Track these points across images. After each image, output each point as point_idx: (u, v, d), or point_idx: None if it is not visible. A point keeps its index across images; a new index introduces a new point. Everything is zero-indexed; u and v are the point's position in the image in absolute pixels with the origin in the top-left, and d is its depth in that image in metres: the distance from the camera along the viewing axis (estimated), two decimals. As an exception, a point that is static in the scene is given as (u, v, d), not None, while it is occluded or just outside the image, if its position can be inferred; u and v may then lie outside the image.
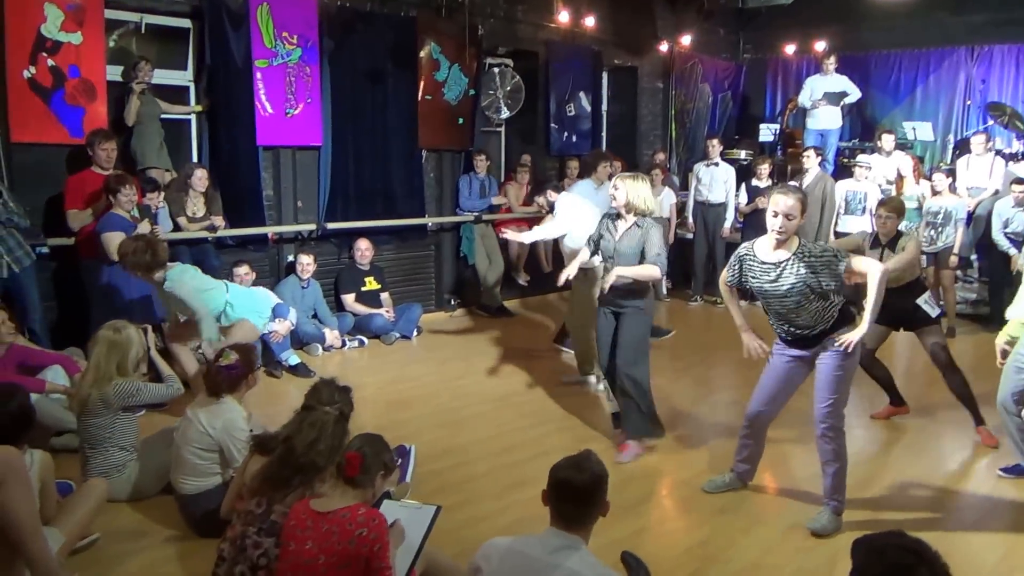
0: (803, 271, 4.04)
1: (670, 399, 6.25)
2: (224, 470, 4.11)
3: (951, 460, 5.38)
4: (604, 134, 11.68)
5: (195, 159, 7.53)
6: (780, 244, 4.11)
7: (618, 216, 5.18)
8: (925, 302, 5.54)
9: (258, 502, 3.29)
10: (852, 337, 4.08)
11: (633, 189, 5.09)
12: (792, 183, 7.88)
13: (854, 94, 10.87)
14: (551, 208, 6.79)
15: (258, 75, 7.46)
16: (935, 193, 8.86)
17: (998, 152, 9.89)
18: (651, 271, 4.99)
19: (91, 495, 3.90)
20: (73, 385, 5.19)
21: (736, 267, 4.32)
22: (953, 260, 8.80)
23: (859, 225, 9.08)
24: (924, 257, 8.65)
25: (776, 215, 4.05)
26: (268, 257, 7.98)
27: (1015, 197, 8.53)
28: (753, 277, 4.21)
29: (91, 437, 4.34)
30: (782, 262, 4.09)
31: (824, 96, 10.78)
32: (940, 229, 8.75)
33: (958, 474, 5.16)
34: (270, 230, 7.87)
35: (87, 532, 3.91)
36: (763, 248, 4.19)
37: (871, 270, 4.06)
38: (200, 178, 7.01)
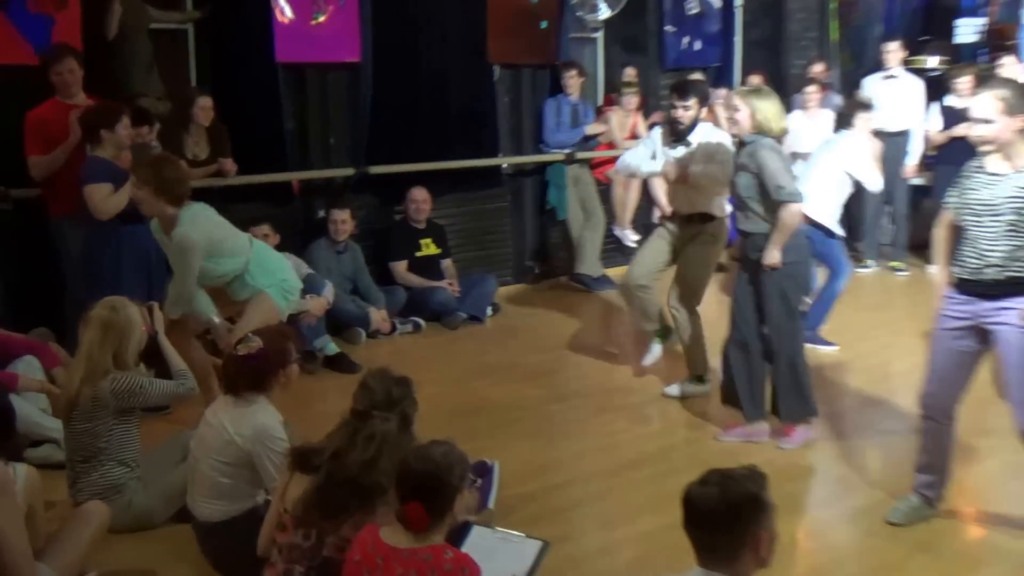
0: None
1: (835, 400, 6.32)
2: (256, 491, 4.20)
3: None
4: (738, 38, 11.60)
5: (195, 83, 7.73)
6: (1004, 156, 4.27)
7: (741, 144, 5.56)
8: None
9: (305, 534, 3.40)
10: None
11: (765, 103, 5.41)
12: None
13: None
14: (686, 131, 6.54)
15: (275, -33, 7.64)
16: None
17: None
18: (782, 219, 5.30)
19: (87, 523, 4.05)
20: (52, 380, 5.42)
21: (959, 183, 4.48)
22: None
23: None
24: None
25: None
26: (292, 213, 8.16)
27: None
28: (971, 189, 4.38)
29: (82, 448, 4.49)
30: (1008, 173, 4.25)
31: None
32: None
33: None
34: (294, 176, 8.05)
35: (83, 568, 4.05)
36: (994, 160, 4.33)
37: None
38: (203, 108, 7.19)
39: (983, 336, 4.40)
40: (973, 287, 4.37)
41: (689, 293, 6.37)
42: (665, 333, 6.76)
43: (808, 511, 5.08)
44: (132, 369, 4.61)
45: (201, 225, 5.42)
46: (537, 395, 6.59)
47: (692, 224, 6.32)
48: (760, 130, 5.41)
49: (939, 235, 4.69)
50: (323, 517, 3.41)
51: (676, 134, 6.36)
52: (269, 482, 4.09)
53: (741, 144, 5.53)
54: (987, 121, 4.20)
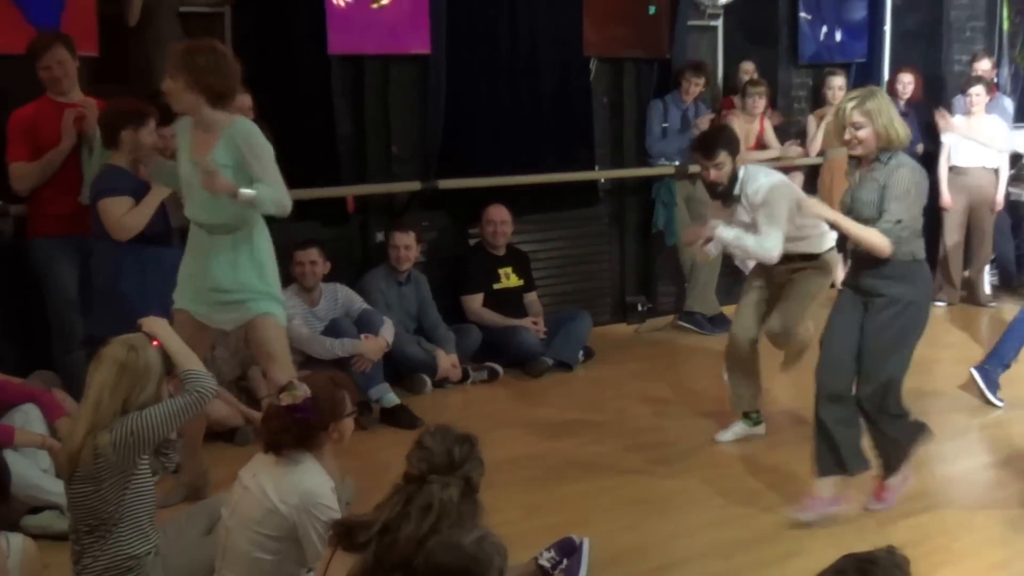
0: None
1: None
2: (300, 571, 4.19)
3: None
4: (887, 28, 11.53)
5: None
6: None
7: (859, 159, 5.58)
8: None
9: None
10: None
11: (885, 110, 5.38)
12: None
13: None
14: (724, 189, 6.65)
15: (329, -61, 7.74)
16: None
17: None
18: (872, 238, 5.24)
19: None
20: (55, 434, 5.38)
21: None
22: None
23: None
24: None
25: None
26: (346, 236, 8.19)
27: None
28: None
29: (88, 516, 4.40)
30: None
31: None
32: None
33: None
34: (349, 192, 8.07)
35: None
36: None
37: None
38: (242, 107, 7.14)
39: None
40: None
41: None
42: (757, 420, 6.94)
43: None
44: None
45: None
46: (636, 459, 6.53)
47: (793, 262, 6.45)
48: (889, 143, 5.39)
49: None
50: None
51: (718, 196, 6.58)
52: (313, 560, 4.07)
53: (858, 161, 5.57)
54: None
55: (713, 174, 6.41)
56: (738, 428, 6.85)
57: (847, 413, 5.53)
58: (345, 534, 3.61)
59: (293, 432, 4.13)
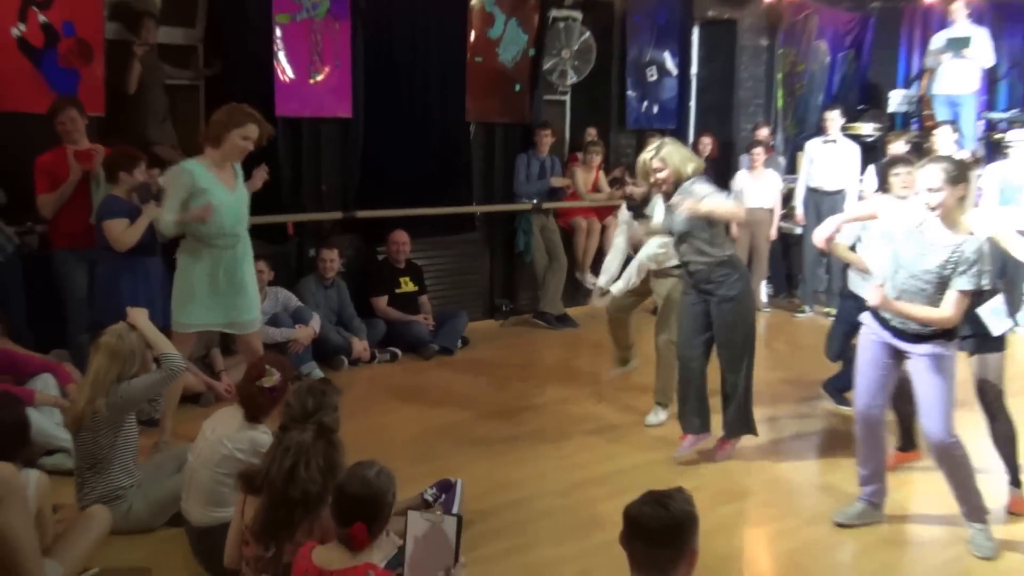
0: (947, 261, 4.44)
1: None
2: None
3: None
4: (693, 104, 11.76)
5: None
6: (947, 223, 4.49)
7: (665, 194, 5.72)
8: (992, 312, 5.02)
9: (265, 546, 3.52)
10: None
11: (675, 153, 5.61)
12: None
13: (980, 47, 10.75)
14: (639, 207, 6.68)
15: (278, 32, 7.78)
16: None
17: None
18: (721, 205, 5.48)
19: (92, 525, 4.22)
20: (65, 396, 5.56)
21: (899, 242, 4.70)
22: None
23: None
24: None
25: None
26: (286, 251, 8.29)
27: None
28: (909, 251, 4.60)
29: (88, 457, 4.62)
30: (936, 244, 4.49)
31: (947, 44, 10.80)
32: None
33: None
34: (289, 219, 8.17)
35: (87, 565, 4.21)
36: (935, 226, 4.55)
37: (946, 314, 4.49)
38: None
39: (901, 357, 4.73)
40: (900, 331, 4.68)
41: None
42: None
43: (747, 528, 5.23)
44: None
45: None
46: (500, 421, 6.68)
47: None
48: (686, 178, 5.58)
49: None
50: (273, 535, 3.50)
51: (633, 209, 6.65)
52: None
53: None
54: (935, 190, 4.42)
55: (630, 189, 6.46)
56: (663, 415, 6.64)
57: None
58: (247, 481, 3.70)
59: (269, 406, 4.25)
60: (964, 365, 4.93)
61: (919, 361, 4.65)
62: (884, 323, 4.74)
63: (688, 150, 5.81)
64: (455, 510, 4.76)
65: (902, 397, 5.41)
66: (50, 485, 4.09)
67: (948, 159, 4.66)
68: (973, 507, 4.76)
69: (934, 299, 4.50)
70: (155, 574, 4.41)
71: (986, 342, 5.04)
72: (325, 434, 3.61)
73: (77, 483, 4.69)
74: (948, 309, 4.45)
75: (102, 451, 4.62)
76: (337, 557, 3.13)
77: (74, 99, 6.51)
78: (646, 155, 5.68)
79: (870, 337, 4.86)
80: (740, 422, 5.90)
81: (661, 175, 5.60)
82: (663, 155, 5.59)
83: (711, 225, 5.54)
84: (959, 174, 4.46)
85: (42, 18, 6.66)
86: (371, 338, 8.15)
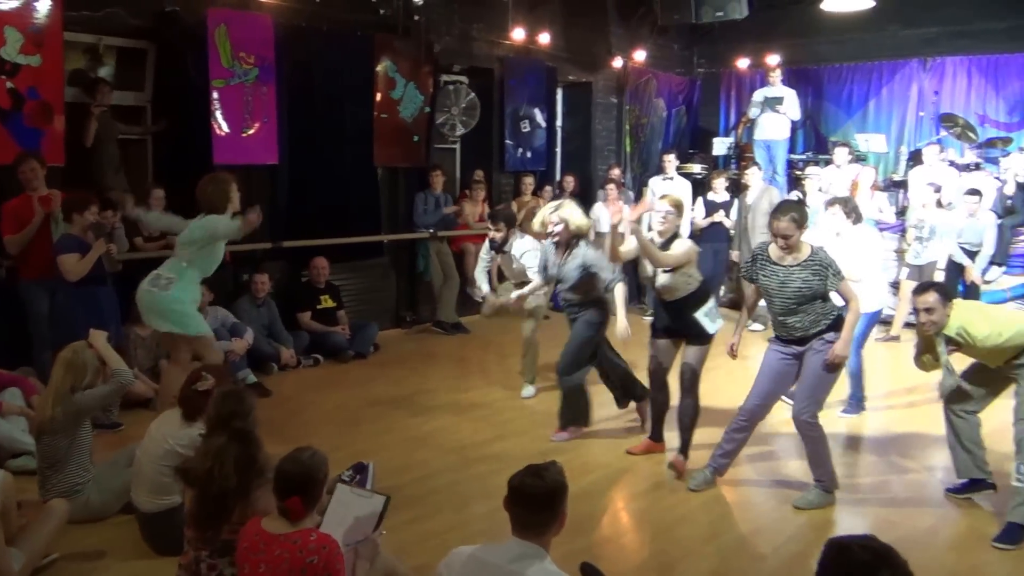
0: (810, 277, 4.63)
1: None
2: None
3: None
4: (558, 150, 11.92)
5: (151, 180, 7.63)
6: (785, 251, 4.71)
7: (557, 243, 5.76)
8: (705, 314, 5.22)
9: (203, 529, 3.38)
10: (837, 350, 4.68)
11: (573, 214, 5.70)
12: (790, 199, 8.50)
13: (790, 104, 11.13)
14: (500, 246, 6.87)
15: (215, 95, 7.60)
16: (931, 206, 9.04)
17: (951, 163, 10.26)
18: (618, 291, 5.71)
19: (52, 516, 4.04)
20: (30, 406, 5.30)
21: (750, 263, 4.91)
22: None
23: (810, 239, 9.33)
24: (907, 270, 9.03)
25: (777, 238, 4.69)
26: (223, 276, 7.95)
27: (968, 208, 8.89)
28: (764, 276, 4.78)
29: (50, 457, 4.42)
30: (791, 267, 4.68)
31: (764, 101, 11.15)
32: (924, 243, 8.94)
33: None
34: (226, 249, 7.87)
35: (48, 551, 4.02)
36: (775, 251, 4.74)
37: (852, 298, 4.77)
38: (157, 198, 7.12)
39: (802, 361, 4.83)
40: (791, 342, 4.83)
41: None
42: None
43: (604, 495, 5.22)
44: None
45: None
46: (407, 411, 6.62)
47: None
48: (577, 234, 5.67)
49: (745, 288, 5.27)
50: (206, 522, 3.38)
51: (496, 249, 6.84)
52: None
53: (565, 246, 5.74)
54: (788, 236, 4.63)
55: (494, 234, 6.71)
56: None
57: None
58: (183, 476, 3.56)
59: (203, 405, 4.02)
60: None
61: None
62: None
63: (582, 212, 5.83)
64: (368, 487, 4.51)
65: (661, 389, 5.58)
66: (14, 484, 3.94)
67: (792, 206, 4.84)
68: (826, 474, 4.89)
69: None
70: (109, 556, 4.23)
71: (699, 338, 5.25)
72: (239, 436, 3.47)
73: (39, 481, 4.50)
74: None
75: (60, 452, 4.43)
76: (280, 525, 3.05)
77: (35, 152, 6.26)
78: (546, 210, 5.77)
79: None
80: (571, 415, 5.95)
81: (557, 228, 5.66)
82: (562, 214, 5.66)
83: (592, 277, 5.65)
84: (802, 218, 4.68)
85: (9, 84, 6.38)
86: (297, 347, 7.99)
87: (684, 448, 5.40)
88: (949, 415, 4.93)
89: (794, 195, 10.01)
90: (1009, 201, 9.60)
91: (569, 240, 5.68)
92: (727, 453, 5.07)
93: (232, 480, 3.33)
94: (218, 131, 7.68)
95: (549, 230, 5.72)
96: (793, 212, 4.64)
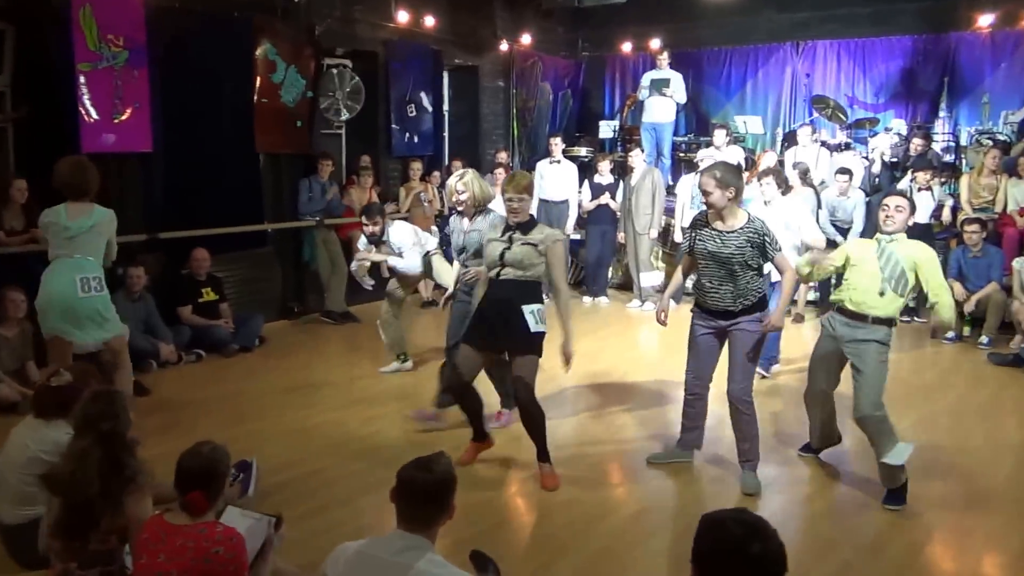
0: (743, 244, 4.66)
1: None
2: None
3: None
4: (446, 134, 11.88)
5: (13, 170, 7.25)
6: (719, 216, 4.73)
7: (462, 212, 5.69)
8: (532, 312, 4.84)
9: (70, 539, 3.24)
10: (773, 320, 4.83)
11: (475, 182, 5.65)
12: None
13: (676, 88, 11.37)
14: (377, 237, 6.94)
15: (81, 79, 7.25)
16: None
17: (823, 143, 10.65)
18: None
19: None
20: None
21: (689, 228, 4.95)
22: None
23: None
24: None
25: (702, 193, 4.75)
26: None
27: (839, 187, 9.24)
28: (699, 241, 4.81)
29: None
30: (728, 232, 4.71)
31: (651, 84, 11.35)
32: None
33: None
34: None
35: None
36: (713, 216, 4.79)
37: (787, 269, 4.89)
38: (19, 189, 6.78)
39: (725, 337, 4.91)
40: (716, 315, 4.85)
41: None
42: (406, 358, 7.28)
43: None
44: None
45: None
46: (292, 406, 6.46)
47: None
48: (483, 202, 5.64)
49: (676, 273, 5.29)
50: (74, 532, 3.23)
51: (375, 243, 6.91)
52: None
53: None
54: (708, 193, 4.64)
55: (370, 229, 6.79)
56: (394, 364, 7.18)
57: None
58: (46, 483, 3.37)
59: (56, 403, 3.88)
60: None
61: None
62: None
63: (484, 182, 5.75)
64: (251, 487, 4.57)
65: (502, 382, 5.66)
66: None
67: (722, 164, 4.94)
68: (750, 452, 4.98)
69: None
70: (-29, 572, 4.00)
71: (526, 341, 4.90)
72: (106, 439, 3.31)
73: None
74: None
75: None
76: (183, 519, 2.97)
77: None
78: (453, 180, 5.72)
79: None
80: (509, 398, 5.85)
81: (463, 197, 5.61)
82: (466, 181, 5.63)
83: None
84: (728, 178, 4.68)
85: None
86: (178, 342, 7.71)
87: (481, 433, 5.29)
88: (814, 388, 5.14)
89: (686, 178, 10.12)
90: (876, 179, 10.03)
91: (474, 209, 5.66)
92: (690, 427, 5.21)
93: (95, 486, 3.17)
94: (86, 117, 7.34)
95: (455, 199, 5.69)
96: (716, 171, 4.72)
